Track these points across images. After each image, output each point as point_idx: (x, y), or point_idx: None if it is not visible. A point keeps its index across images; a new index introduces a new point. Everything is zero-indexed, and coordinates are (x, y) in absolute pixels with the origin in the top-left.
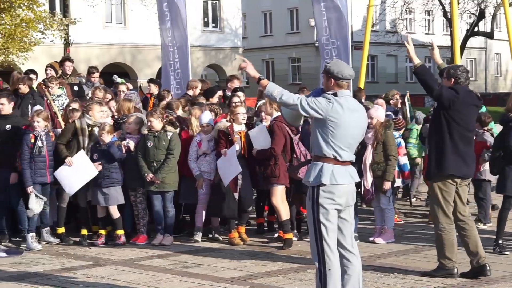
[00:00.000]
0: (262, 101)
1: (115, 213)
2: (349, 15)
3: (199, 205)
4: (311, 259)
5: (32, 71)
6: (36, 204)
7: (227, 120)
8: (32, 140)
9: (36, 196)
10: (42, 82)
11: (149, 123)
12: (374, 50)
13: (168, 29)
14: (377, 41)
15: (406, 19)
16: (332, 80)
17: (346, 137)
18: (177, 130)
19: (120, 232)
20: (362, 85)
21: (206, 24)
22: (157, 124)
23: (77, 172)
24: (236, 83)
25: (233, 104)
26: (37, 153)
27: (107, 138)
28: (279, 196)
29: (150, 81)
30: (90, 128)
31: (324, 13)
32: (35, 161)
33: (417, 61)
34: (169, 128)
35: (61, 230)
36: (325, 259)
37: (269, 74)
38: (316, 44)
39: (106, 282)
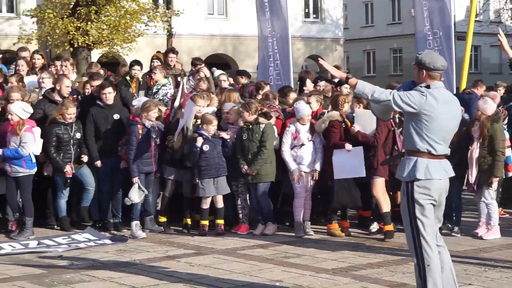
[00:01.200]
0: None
1: (220, 203)
2: (452, 5)
3: (297, 199)
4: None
5: (137, 62)
6: (136, 195)
7: (328, 111)
8: (140, 131)
9: (139, 187)
10: (147, 73)
11: (241, 115)
12: (477, 40)
13: (267, 20)
14: (481, 31)
15: (511, 8)
16: (424, 71)
17: (441, 130)
18: (271, 121)
19: (221, 221)
20: (465, 76)
21: (307, 15)
22: (247, 116)
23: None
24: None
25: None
26: (148, 143)
27: (211, 129)
28: (379, 188)
29: (238, 73)
30: None
31: (426, 3)
32: (142, 151)
33: (511, 54)
34: (261, 119)
35: (163, 219)
36: (423, 255)
37: (369, 65)
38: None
39: (209, 270)
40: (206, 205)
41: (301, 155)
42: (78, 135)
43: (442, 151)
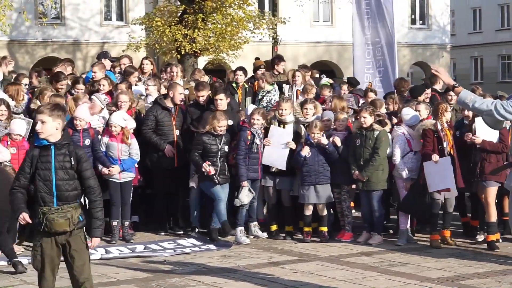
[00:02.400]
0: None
1: (324, 211)
2: None
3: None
4: None
5: (240, 68)
6: (246, 197)
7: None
8: (249, 137)
9: (249, 190)
10: (249, 80)
11: (362, 119)
12: None
13: (367, 27)
14: None
15: None
16: None
17: None
18: (386, 128)
19: (325, 229)
20: None
21: (413, 21)
22: (369, 120)
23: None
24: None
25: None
26: (255, 150)
27: (323, 139)
28: (493, 196)
29: (348, 81)
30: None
31: None
32: (249, 157)
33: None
34: (376, 126)
35: (274, 227)
36: None
37: (477, 72)
38: None
39: (312, 277)
40: (308, 211)
41: (413, 162)
42: (226, 148)
43: None
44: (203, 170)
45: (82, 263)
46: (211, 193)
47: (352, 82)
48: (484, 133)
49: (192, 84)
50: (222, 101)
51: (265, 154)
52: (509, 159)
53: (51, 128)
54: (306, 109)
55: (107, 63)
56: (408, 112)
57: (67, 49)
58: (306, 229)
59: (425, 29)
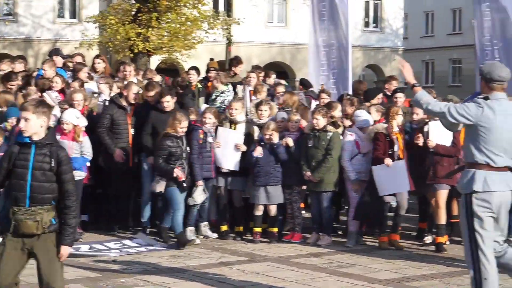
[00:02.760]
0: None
1: (274, 211)
2: None
3: (352, 209)
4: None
5: (194, 68)
6: (200, 197)
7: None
8: (201, 136)
9: (203, 189)
10: (202, 80)
11: (314, 120)
12: None
13: (323, 29)
14: None
15: None
16: (483, 82)
17: (501, 142)
18: (339, 130)
19: (275, 229)
20: None
21: (366, 24)
22: (322, 121)
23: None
24: (394, 84)
25: (397, 104)
26: (208, 148)
27: (275, 137)
28: (443, 199)
29: (301, 82)
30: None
31: (488, 13)
32: (202, 156)
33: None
34: (329, 127)
35: (225, 228)
36: (480, 268)
37: (428, 75)
38: None
39: (261, 278)
40: (258, 212)
41: (363, 163)
42: (188, 149)
43: (503, 163)
44: (175, 175)
45: (53, 270)
46: (174, 199)
47: (305, 84)
48: (437, 137)
49: (146, 81)
50: (169, 102)
51: (216, 155)
52: (460, 163)
53: (35, 126)
54: (261, 110)
55: (59, 60)
56: (360, 114)
57: (19, 46)
58: (256, 229)
59: (378, 32)
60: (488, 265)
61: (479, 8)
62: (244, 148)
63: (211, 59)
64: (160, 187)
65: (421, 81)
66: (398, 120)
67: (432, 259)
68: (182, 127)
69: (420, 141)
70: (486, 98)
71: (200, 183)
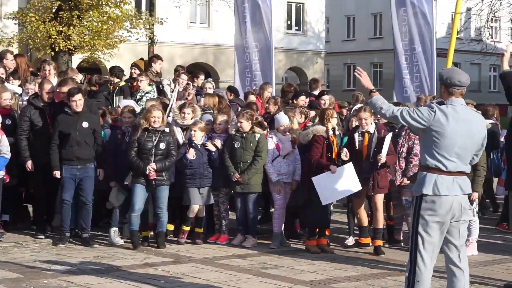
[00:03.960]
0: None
1: (203, 213)
2: (434, 21)
3: (276, 210)
4: (392, 266)
5: (118, 68)
6: (115, 199)
7: (313, 124)
8: (119, 136)
9: (118, 190)
10: (128, 80)
11: (238, 124)
12: (457, 58)
13: (246, 31)
14: (461, 49)
15: (492, 27)
16: (443, 86)
17: (453, 147)
18: (265, 132)
19: (200, 230)
20: None
21: (289, 27)
22: (246, 125)
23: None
24: (319, 87)
25: (323, 106)
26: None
27: (199, 137)
28: (381, 203)
29: (229, 89)
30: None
31: (405, 18)
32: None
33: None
34: (257, 129)
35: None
36: (415, 270)
37: (350, 79)
38: None
39: (186, 279)
40: (192, 213)
41: (283, 165)
42: (162, 146)
43: (455, 168)
44: (147, 172)
45: None
46: (133, 197)
47: (233, 91)
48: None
49: None
50: (80, 101)
51: None
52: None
53: None
54: (184, 113)
55: None
56: (280, 117)
57: None
58: (185, 228)
59: (300, 35)
60: (424, 269)
61: (397, 13)
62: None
63: (141, 59)
64: (128, 180)
65: (343, 84)
66: (332, 123)
67: (356, 261)
68: (154, 116)
69: (379, 160)
70: (440, 103)
71: (113, 184)
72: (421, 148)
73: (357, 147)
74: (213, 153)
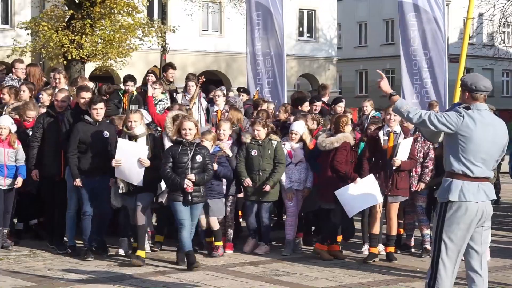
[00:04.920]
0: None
1: (216, 225)
2: (446, 27)
3: (289, 217)
4: (404, 272)
5: (130, 77)
6: (115, 199)
7: (327, 131)
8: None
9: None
10: (141, 87)
11: (255, 132)
12: (470, 63)
13: (257, 38)
14: (473, 54)
15: (504, 32)
16: (467, 93)
17: (479, 152)
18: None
19: (219, 243)
20: (457, 99)
21: (301, 34)
22: (263, 132)
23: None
24: (327, 93)
25: (340, 113)
26: None
27: (209, 148)
28: (396, 210)
29: (239, 90)
30: (134, 139)
31: (414, 23)
32: None
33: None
34: (274, 137)
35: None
36: (436, 278)
37: (362, 85)
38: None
39: (199, 287)
40: (202, 226)
41: (295, 172)
42: (198, 159)
43: (481, 174)
44: (185, 186)
45: None
46: (176, 215)
47: (244, 92)
48: (402, 154)
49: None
50: (102, 110)
51: (122, 172)
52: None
53: None
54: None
55: None
56: (296, 124)
57: None
58: (217, 243)
59: (312, 42)
60: (445, 277)
61: (405, 18)
62: (148, 163)
63: (155, 66)
64: (161, 197)
65: (355, 91)
66: (347, 130)
67: (369, 267)
68: (185, 128)
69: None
70: (467, 108)
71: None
72: (445, 154)
73: (382, 146)
74: (223, 162)
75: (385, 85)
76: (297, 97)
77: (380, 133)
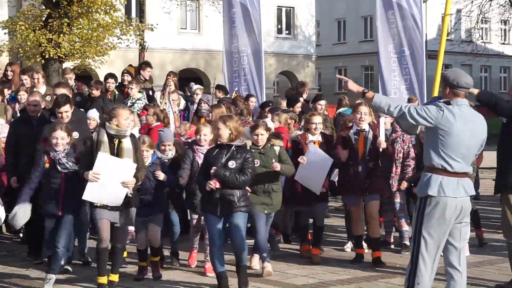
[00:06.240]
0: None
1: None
2: (424, 23)
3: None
4: (384, 269)
5: (111, 75)
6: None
7: (300, 128)
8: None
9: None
10: (119, 86)
11: (259, 136)
12: (448, 59)
13: (234, 36)
14: (452, 50)
15: (482, 28)
16: (448, 88)
17: (458, 147)
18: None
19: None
20: (436, 95)
21: (279, 31)
22: (266, 138)
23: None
24: (306, 91)
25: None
26: None
27: (148, 157)
28: (377, 210)
29: (217, 87)
30: (117, 140)
31: (393, 20)
32: None
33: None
34: (276, 141)
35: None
36: (416, 273)
37: (341, 82)
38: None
39: (179, 285)
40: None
41: None
42: (231, 164)
43: (460, 169)
44: (209, 188)
45: None
46: (208, 229)
47: (221, 88)
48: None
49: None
50: (67, 113)
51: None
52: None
53: None
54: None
55: None
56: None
57: None
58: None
59: (291, 39)
60: (425, 272)
61: (386, 16)
62: (133, 184)
63: (130, 65)
64: (199, 208)
65: (334, 88)
66: (312, 129)
67: (348, 264)
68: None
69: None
70: (447, 103)
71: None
72: (425, 148)
73: (354, 146)
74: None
75: (353, 85)
76: (289, 98)
77: (351, 133)
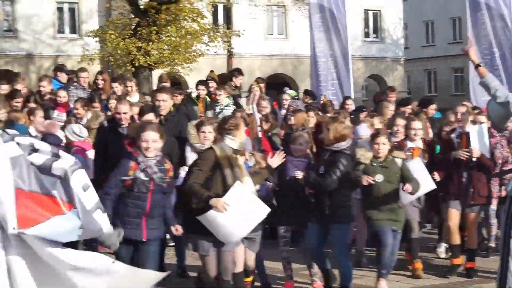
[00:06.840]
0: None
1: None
2: None
3: None
4: (480, 273)
5: (202, 82)
6: None
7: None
8: None
9: None
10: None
11: (378, 146)
12: None
13: (319, 40)
14: None
15: None
16: None
17: None
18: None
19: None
20: None
21: (366, 35)
22: (387, 148)
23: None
24: (393, 95)
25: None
26: None
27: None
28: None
29: (305, 92)
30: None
31: (483, 21)
32: None
33: None
34: (399, 153)
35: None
36: (506, 276)
37: (430, 85)
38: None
39: None
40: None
41: None
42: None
43: None
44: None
45: None
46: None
47: (310, 95)
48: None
49: (148, 98)
50: (166, 102)
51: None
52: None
53: None
54: (204, 132)
55: (63, 76)
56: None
57: (20, 62)
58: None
59: (378, 43)
60: None
61: (475, 16)
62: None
63: (212, 71)
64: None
65: (424, 90)
66: (412, 135)
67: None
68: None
69: (462, 155)
70: None
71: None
72: None
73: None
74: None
75: (473, 54)
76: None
77: (453, 136)
